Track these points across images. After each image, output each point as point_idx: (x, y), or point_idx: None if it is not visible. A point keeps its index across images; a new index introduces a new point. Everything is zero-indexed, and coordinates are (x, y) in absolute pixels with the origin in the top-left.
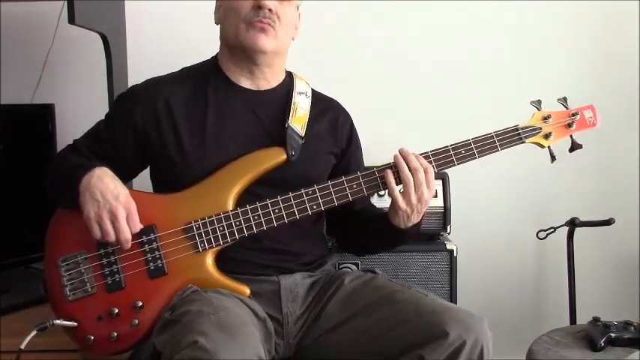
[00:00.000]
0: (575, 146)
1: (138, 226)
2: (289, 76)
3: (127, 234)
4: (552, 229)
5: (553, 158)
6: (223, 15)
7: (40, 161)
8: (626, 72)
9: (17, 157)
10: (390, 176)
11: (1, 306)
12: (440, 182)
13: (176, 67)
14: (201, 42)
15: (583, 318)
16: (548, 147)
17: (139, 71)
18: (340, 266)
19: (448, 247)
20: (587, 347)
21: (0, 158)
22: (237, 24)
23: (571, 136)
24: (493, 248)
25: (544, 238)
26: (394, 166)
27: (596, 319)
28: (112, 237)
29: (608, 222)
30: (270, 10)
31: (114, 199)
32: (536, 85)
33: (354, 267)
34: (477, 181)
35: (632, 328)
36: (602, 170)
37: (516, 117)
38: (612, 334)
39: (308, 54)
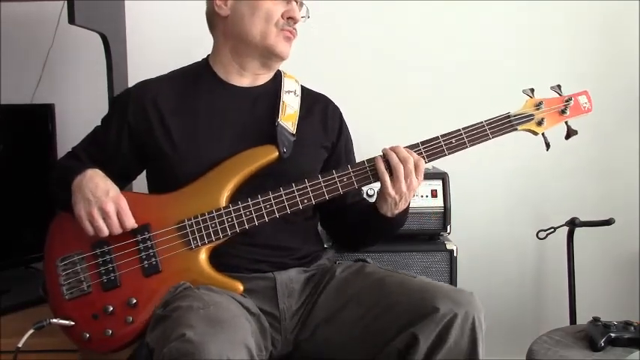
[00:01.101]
0: (570, 133)
1: (131, 221)
2: (278, 74)
3: (118, 229)
4: (552, 229)
5: (547, 146)
6: (240, 10)
7: (40, 161)
8: (626, 72)
9: (17, 157)
10: (381, 163)
11: (1, 306)
12: (440, 182)
13: (176, 67)
14: (201, 42)
15: (583, 318)
16: (542, 134)
17: (139, 71)
18: (338, 263)
19: (448, 247)
20: (587, 347)
21: (0, 158)
22: (267, 27)
23: (566, 123)
24: (493, 248)
25: (544, 238)
26: (379, 157)
27: (596, 319)
28: (104, 232)
29: (608, 222)
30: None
31: (104, 196)
32: (537, 85)
33: None
34: (477, 181)
35: (632, 328)
36: (602, 170)
37: None
38: (612, 334)
39: (307, 54)
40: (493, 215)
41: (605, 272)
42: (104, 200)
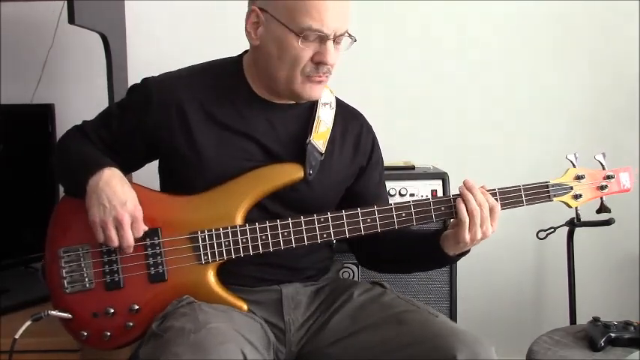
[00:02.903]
0: (603, 209)
1: (142, 233)
2: None
3: (130, 241)
4: (552, 229)
5: (578, 221)
6: (267, 46)
7: (40, 161)
8: (626, 72)
9: (17, 157)
10: (462, 204)
11: (1, 306)
12: (440, 182)
13: (176, 67)
14: (201, 42)
15: (583, 318)
16: (576, 208)
17: (139, 71)
18: (351, 279)
19: None
20: (587, 347)
21: (0, 158)
22: (293, 73)
23: (601, 199)
24: (493, 248)
25: (544, 238)
26: (460, 198)
27: (596, 319)
28: (114, 243)
29: (608, 222)
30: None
31: (120, 206)
32: (538, 84)
33: (354, 267)
34: (477, 181)
35: (632, 328)
36: None
37: (516, 116)
38: (612, 334)
39: None
40: None
41: (605, 272)
42: (120, 212)
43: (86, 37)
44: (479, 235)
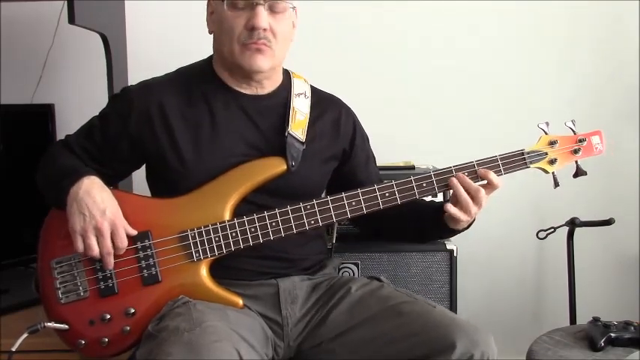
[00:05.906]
0: (579, 173)
1: (124, 243)
2: (287, 76)
3: (109, 249)
4: (552, 229)
5: (556, 184)
6: (217, 28)
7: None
8: (627, 72)
9: (17, 157)
10: (459, 185)
11: (1, 306)
12: None
13: (176, 67)
14: (201, 42)
15: (583, 318)
16: (552, 173)
17: (139, 71)
18: (340, 266)
19: (448, 247)
20: (587, 347)
21: (0, 158)
22: (232, 44)
23: (576, 162)
24: (493, 248)
25: (544, 238)
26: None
27: (596, 319)
28: (95, 252)
29: (608, 222)
30: (264, 29)
31: (100, 215)
32: (537, 85)
33: (354, 267)
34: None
35: (632, 328)
36: (602, 170)
37: (516, 116)
38: (612, 334)
39: (314, 53)
40: (493, 215)
41: (605, 272)
42: (100, 220)
43: (86, 37)
44: (474, 211)
